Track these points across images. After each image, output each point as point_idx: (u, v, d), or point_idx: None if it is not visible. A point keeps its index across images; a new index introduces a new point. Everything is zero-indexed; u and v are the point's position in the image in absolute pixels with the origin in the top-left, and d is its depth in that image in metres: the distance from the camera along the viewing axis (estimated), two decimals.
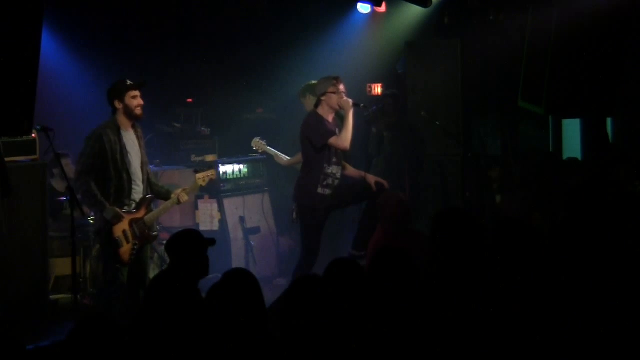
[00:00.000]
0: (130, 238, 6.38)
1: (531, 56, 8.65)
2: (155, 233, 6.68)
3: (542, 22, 8.48)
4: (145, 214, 6.49)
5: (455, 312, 4.07)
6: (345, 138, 7.03)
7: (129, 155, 6.41)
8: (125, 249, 6.34)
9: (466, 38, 9.65)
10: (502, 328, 4.04)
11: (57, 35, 8.69)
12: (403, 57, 9.85)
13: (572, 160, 9.12)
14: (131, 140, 6.48)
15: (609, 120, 9.88)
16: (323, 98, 7.13)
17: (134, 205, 6.45)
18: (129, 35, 9.20)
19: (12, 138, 6.92)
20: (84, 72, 8.88)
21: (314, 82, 8.59)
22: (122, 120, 6.44)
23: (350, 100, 7.10)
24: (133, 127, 6.53)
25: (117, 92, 6.42)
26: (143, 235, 6.46)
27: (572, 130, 10.40)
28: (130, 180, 6.41)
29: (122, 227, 6.34)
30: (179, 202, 6.72)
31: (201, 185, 6.89)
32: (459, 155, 9.46)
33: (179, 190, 6.70)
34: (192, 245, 5.06)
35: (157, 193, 6.69)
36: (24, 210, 7.05)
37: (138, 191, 6.48)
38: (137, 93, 6.45)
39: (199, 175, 6.82)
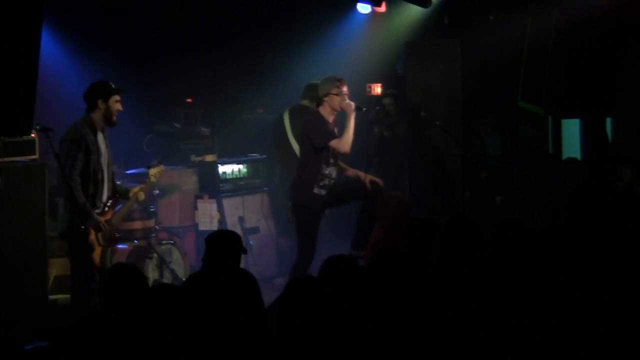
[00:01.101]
0: (101, 241, 6.40)
1: (531, 56, 8.65)
2: (118, 235, 6.67)
3: (542, 22, 8.48)
4: (112, 216, 6.52)
5: (454, 312, 4.07)
6: (347, 142, 7.04)
7: (102, 156, 6.43)
8: (97, 252, 6.37)
9: (466, 38, 9.64)
10: (502, 328, 4.04)
11: (57, 35, 8.68)
12: (403, 57, 9.85)
13: (572, 160, 9.12)
14: (101, 140, 6.47)
15: (608, 120, 9.87)
16: (325, 99, 7.12)
17: (102, 207, 6.47)
18: (129, 35, 9.19)
19: (12, 138, 6.92)
20: (83, 72, 8.86)
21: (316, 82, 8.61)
22: (98, 120, 6.42)
23: (353, 103, 7.10)
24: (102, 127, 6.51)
25: (103, 92, 6.39)
26: (110, 237, 6.49)
27: (571, 130, 10.40)
28: (103, 181, 6.44)
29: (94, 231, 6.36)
30: (137, 200, 6.74)
31: (154, 182, 6.91)
32: (459, 155, 9.46)
33: (136, 189, 6.73)
34: (226, 247, 4.96)
35: (119, 192, 6.70)
36: (23, 210, 7.04)
37: (105, 192, 6.49)
38: (119, 98, 6.44)
39: (151, 172, 6.82)
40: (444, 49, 9.63)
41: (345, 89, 7.13)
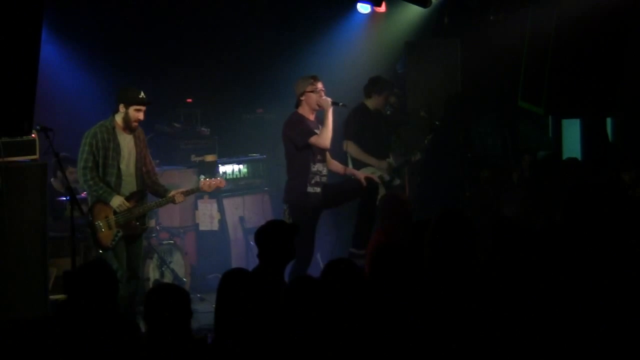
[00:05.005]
0: (113, 225, 6.66)
1: (531, 56, 8.62)
2: (144, 226, 6.97)
3: (542, 22, 8.46)
4: (134, 206, 6.75)
5: (454, 312, 4.07)
6: (326, 137, 7.07)
7: (121, 152, 6.72)
8: (106, 234, 6.64)
9: (466, 38, 9.64)
10: (502, 328, 4.04)
11: (56, 36, 8.68)
12: (403, 57, 9.85)
13: (572, 160, 9.12)
14: (126, 140, 6.78)
15: (609, 120, 9.87)
16: (302, 98, 7.19)
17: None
18: (129, 36, 9.20)
19: (12, 138, 6.92)
20: (83, 73, 8.88)
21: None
22: (119, 122, 6.76)
23: (329, 99, 7.14)
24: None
25: (127, 98, 6.72)
26: (128, 224, 6.72)
27: (571, 130, 10.40)
28: (119, 176, 6.73)
29: (104, 214, 6.66)
30: (173, 202, 7.00)
31: (202, 191, 7.18)
32: (459, 155, 9.46)
33: (175, 192, 6.97)
34: (280, 234, 5.29)
35: (154, 190, 7.01)
36: (23, 210, 7.04)
37: (128, 187, 6.79)
38: (142, 108, 6.75)
39: (205, 182, 7.06)
40: (444, 49, 9.64)
41: (320, 85, 7.18)
